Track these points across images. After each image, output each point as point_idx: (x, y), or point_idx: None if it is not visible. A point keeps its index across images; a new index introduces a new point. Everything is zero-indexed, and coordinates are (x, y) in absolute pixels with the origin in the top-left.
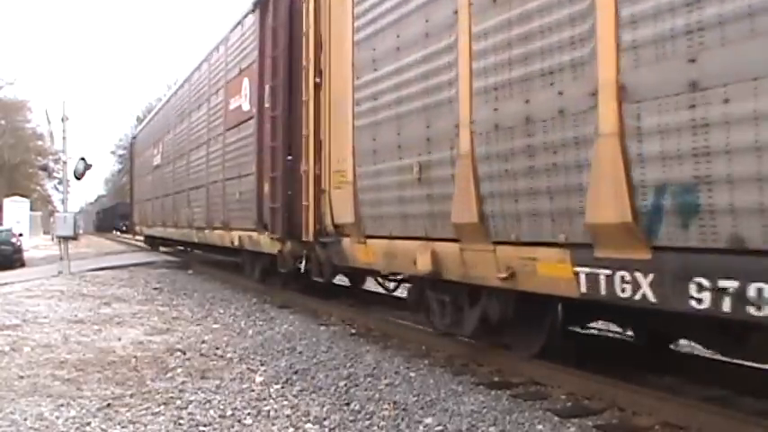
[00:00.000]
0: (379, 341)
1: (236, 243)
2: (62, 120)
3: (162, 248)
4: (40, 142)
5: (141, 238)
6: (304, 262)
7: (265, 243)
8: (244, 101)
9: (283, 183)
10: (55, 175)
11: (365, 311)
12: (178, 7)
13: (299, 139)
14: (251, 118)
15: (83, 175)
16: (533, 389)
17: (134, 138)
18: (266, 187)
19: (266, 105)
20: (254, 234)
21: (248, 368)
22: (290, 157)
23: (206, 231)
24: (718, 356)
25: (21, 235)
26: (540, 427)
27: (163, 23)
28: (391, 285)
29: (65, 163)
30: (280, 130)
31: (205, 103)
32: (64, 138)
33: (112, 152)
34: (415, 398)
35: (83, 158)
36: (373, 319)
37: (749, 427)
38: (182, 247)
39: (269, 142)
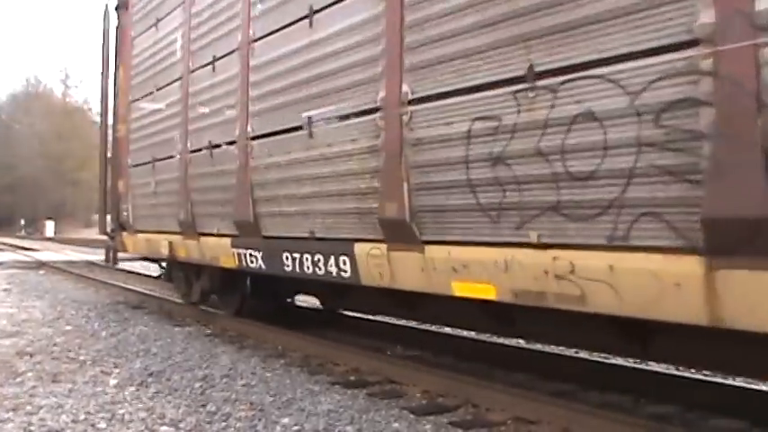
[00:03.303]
0: (235, 341)
1: None
2: None
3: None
4: None
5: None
6: None
7: None
8: None
9: None
10: None
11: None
12: None
13: None
14: None
15: None
16: (389, 387)
17: None
18: None
19: None
20: None
21: (102, 371)
22: None
23: None
24: (570, 352)
25: None
26: (396, 425)
27: None
28: None
29: None
30: None
31: None
32: None
33: None
34: (272, 398)
35: None
36: (229, 320)
37: (594, 419)
38: None
39: None
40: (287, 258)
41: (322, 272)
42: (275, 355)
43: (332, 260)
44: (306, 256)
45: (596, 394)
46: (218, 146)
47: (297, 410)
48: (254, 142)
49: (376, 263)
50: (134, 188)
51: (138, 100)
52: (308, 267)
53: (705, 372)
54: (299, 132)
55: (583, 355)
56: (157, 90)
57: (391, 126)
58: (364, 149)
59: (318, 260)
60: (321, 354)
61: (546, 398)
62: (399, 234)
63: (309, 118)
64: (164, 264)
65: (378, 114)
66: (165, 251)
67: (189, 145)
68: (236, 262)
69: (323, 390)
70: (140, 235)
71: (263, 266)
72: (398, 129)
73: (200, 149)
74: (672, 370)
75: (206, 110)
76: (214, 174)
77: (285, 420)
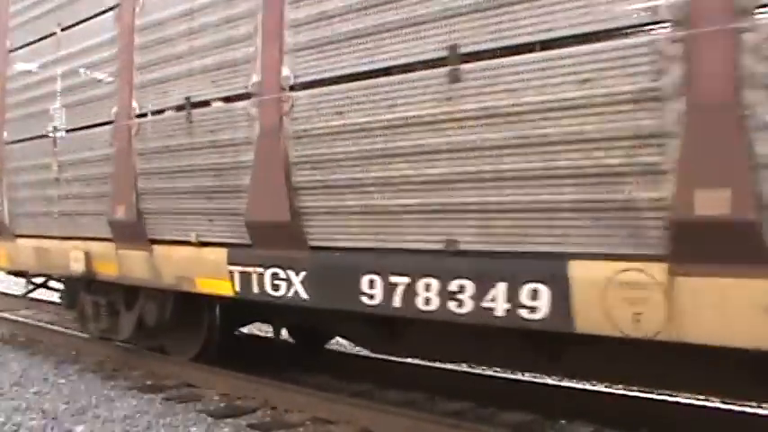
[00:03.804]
0: (26, 347)
1: None
2: None
3: None
4: None
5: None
6: None
7: None
8: None
9: None
10: None
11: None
12: None
13: None
14: None
15: None
16: (186, 391)
17: None
18: None
19: None
20: None
21: None
22: None
23: None
24: (365, 353)
25: None
26: (194, 429)
27: None
28: None
29: None
30: None
31: None
32: None
33: None
34: (65, 405)
35: None
36: (19, 324)
37: (392, 417)
38: None
39: None
40: (371, 285)
41: (465, 309)
42: (69, 360)
43: (498, 290)
44: (425, 281)
45: (394, 393)
46: (203, 104)
47: (92, 417)
48: (297, 94)
49: (628, 297)
50: (13, 174)
51: (23, 47)
52: (427, 301)
53: (495, 368)
54: (427, 74)
55: (379, 355)
56: (63, 30)
57: (700, 53)
58: (619, 97)
59: (460, 290)
60: (117, 358)
61: (344, 398)
62: (721, 247)
63: (453, 47)
64: (38, 279)
65: (658, 34)
66: (77, 266)
67: (134, 106)
68: (236, 287)
69: (119, 395)
70: (24, 242)
71: (307, 297)
72: (728, 55)
73: (160, 111)
74: (464, 367)
75: (177, 50)
76: (194, 148)
77: (79, 428)
